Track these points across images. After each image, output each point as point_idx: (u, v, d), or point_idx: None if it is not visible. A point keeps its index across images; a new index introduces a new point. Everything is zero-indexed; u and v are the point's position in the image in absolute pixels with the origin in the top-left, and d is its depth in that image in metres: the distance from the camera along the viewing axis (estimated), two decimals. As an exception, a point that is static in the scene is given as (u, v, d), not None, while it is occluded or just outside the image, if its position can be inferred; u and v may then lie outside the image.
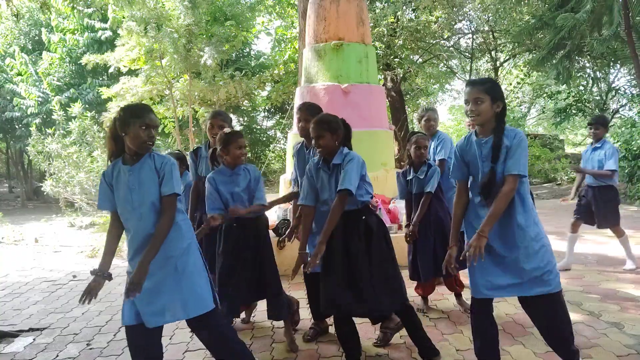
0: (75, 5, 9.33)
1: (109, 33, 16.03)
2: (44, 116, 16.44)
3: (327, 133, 3.06)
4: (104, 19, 15.97)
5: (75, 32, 16.98)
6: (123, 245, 7.32)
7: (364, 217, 3.10)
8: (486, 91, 2.69)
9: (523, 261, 2.69)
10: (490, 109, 2.70)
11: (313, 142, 3.12)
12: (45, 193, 11.19)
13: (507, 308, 4.24)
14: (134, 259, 2.61)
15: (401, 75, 16.60)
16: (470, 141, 2.83)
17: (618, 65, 15.38)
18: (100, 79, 17.29)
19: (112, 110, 12.04)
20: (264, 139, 22.62)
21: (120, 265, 6.60)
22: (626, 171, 12.14)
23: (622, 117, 15.83)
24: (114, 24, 11.54)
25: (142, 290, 2.50)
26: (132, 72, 12.58)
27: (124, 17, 11.59)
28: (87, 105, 15.53)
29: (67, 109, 12.38)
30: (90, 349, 3.81)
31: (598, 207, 5.37)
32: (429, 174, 4.10)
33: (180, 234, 2.68)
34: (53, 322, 4.42)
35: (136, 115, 2.56)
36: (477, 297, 2.81)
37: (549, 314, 2.77)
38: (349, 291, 2.98)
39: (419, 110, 5.30)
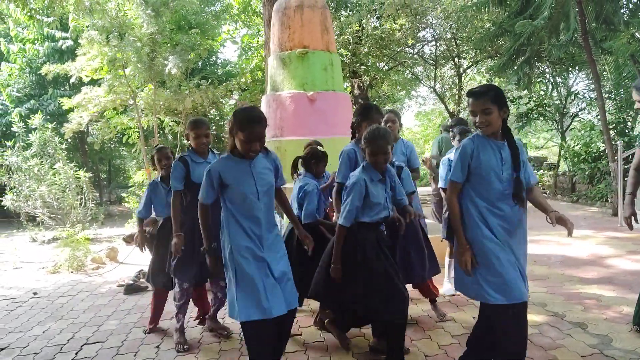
0: (33, 14, 9.05)
1: (70, 42, 15.75)
2: (4, 128, 16.02)
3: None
4: (65, 28, 15.65)
5: (35, 41, 16.64)
6: (87, 260, 7.22)
7: None
8: (492, 100, 2.68)
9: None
10: (499, 117, 2.72)
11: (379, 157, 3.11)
12: (5, 208, 10.81)
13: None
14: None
15: (368, 83, 16.74)
16: (484, 142, 2.78)
17: (576, 70, 15.80)
18: (62, 89, 16.91)
19: (74, 121, 11.75)
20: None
21: (83, 280, 6.46)
22: (587, 173, 12.48)
23: (582, 120, 16.25)
24: (74, 33, 11.27)
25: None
26: (94, 82, 12.31)
27: (85, 27, 11.34)
28: (48, 117, 15.15)
29: (28, 120, 12.04)
30: (52, 368, 3.69)
31: None
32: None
33: None
34: (12, 342, 4.25)
35: (243, 128, 2.75)
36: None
37: None
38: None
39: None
